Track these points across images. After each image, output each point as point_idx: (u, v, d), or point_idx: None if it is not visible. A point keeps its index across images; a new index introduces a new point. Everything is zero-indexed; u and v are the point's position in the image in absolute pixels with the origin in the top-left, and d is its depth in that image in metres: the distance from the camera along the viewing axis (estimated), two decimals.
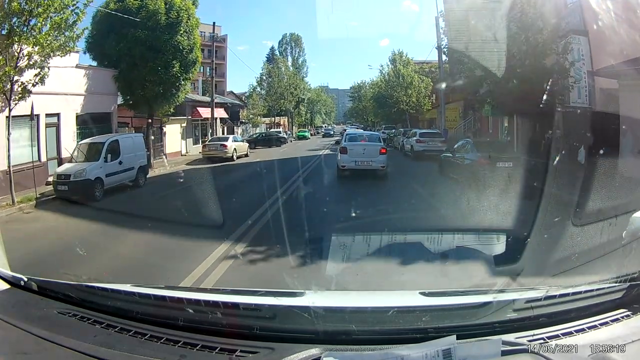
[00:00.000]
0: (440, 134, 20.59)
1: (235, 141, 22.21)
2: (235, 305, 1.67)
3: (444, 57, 27.11)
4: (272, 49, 53.55)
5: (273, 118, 49.02)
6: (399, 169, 15.56)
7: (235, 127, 36.92)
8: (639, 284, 1.64)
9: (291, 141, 43.60)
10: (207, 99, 28.55)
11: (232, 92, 47.93)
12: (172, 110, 18.63)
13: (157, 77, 16.31)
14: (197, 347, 1.40)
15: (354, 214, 7.08)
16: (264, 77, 47.95)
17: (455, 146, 13.00)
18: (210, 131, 30.35)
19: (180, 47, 16.78)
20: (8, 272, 1.88)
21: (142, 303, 1.71)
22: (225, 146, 20.88)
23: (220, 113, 31.09)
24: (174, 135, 24.10)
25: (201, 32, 53.08)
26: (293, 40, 62.67)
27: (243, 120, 39.62)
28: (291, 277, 4.05)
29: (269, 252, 5.56)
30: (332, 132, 51.14)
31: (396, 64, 40.30)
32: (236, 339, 1.44)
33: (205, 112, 27.40)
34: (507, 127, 20.30)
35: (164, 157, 21.15)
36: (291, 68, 57.93)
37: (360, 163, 13.04)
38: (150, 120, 18.33)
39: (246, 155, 22.81)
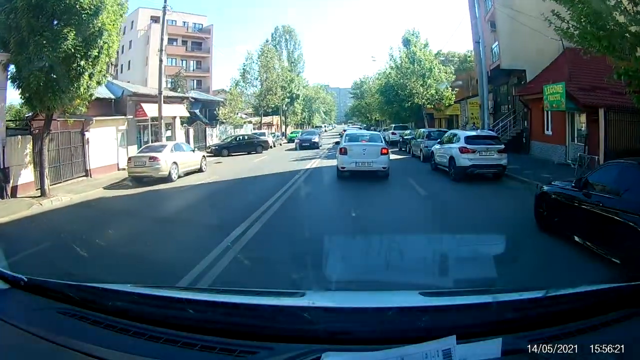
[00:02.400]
0: (497, 138, 13.73)
1: (177, 151, 15.73)
2: (235, 305, 1.68)
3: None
4: (266, 42, 48.32)
5: (260, 117, 43.49)
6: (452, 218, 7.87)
7: (210, 129, 31.83)
8: (639, 284, 1.64)
9: (281, 144, 37.19)
10: (153, 90, 21.34)
11: (223, 90, 44.19)
12: (83, 107, 13.08)
13: (44, 56, 10.94)
14: (197, 347, 1.41)
15: None
16: (247, 69, 42.33)
17: (593, 175, 5.80)
18: (169, 135, 23.87)
19: (78, 6, 11.02)
20: (8, 272, 1.88)
21: (142, 303, 1.72)
22: (156, 160, 14.23)
23: (177, 110, 24.92)
24: (105, 143, 18.03)
25: (184, 22, 50.37)
26: (287, 32, 57.03)
27: (223, 121, 34.75)
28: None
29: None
30: (315, 139, 31.51)
31: (410, 45, 32.12)
32: (236, 339, 1.44)
33: (152, 110, 20.51)
34: (587, 129, 14.11)
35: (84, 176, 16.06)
36: (286, 62, 52.70)
37: (360, 164, 12.50)
38: (46, 122, 12.60)
39: (200, 171, 17.12)
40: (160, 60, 20.54)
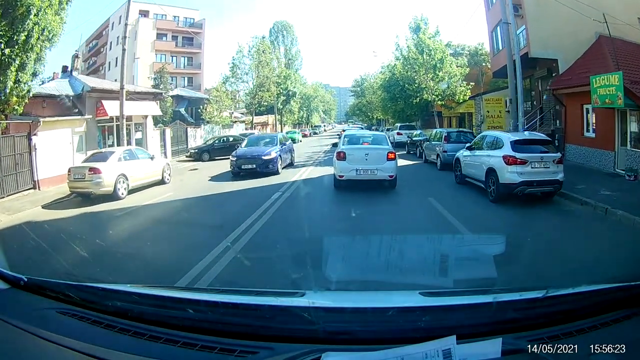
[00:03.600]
0: (551, 142, 10.35)
1: (128, 160, 12.74)
2: (235, 305, 1.68)
3: None
4: (262, 38, 44.93)
5: (251, 117, 40.21)
6: None
7: (194, 129, 29.24)
8: (639, 284, 1.65)
9: None
10: (118, 85, 17.64)
11: (215, 89, 42.35)
12: (20, 107, 10.95)
13: None
14: (197, 347, 1.41)
15: None
16: (237, 64, 38.88)
17: None
18: (139, 137, 21.10)
19: None
20: (8, 272, 1.89)
21: (141, 303, 1.72)
22: (96, 172, 11.43)
23: (148, 109, 21.80)
24: (58, 148, 15.18)
25: (174, 16, 48.55)
26: (284, 28, 55.52)
27: (208, 120, 32.12)
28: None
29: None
30: (269, 155, 15.05)
31: (419, 33, 28.16)
32: (236, 339, 1.44)
33: (115, 108, 17.19)
34: None
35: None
36: (283, 59, 50.84)
37: (362, 172, 10.43)
38: None
39: (161, 182, 14.16)
40: (124, 50, 17.24)
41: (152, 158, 14.44)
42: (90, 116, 17.60)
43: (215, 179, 15.30)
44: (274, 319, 1.52)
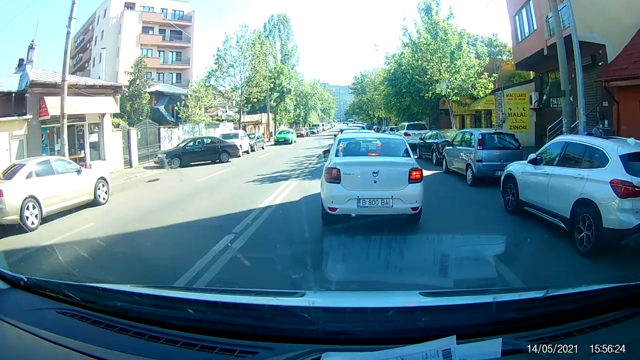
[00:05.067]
0: None
1: (42, 175, 9.46)
2: (235, 305, 1.68)
3: None
4: (256, 31, 40.90)
5: (239, 114, 37.43)
6: None
7: (169, 130, 26.56)
8: (639, 284, 1.65)
9: (263, 147, 30.48)
10: (70, 78, 15.22)
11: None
12: None
13: None
14: (197, 347, 1.41)
15: None
16: (223, 55, 35.48)
17: None
18: (95, 140, 18.28)
19: None
20: (8, 272, 1.89)
21: (141, 303, 1.72)
22: None
23: (102, 106, 18.46)
24: None
25: (162, 8, 46.68)
26: (280, 21, 53.43)
27: (186, 119, 29.26)
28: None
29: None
30: None
31: (431, 15, 24.23)
32: (236, 339, 1.44)
33: (55, 105, 14.55)
34: None
35: None
36: (279, 54, 49.20)
37: (368, 202, 6.35)
38: None
39: (93, 203, 10.68)
40: (68, 33, 14.56)
41: (78, 171, 10.76)
42: (31, 116, 14.88)
43: (170, 197, 11.61)
44: (274, 319, 1.52)
